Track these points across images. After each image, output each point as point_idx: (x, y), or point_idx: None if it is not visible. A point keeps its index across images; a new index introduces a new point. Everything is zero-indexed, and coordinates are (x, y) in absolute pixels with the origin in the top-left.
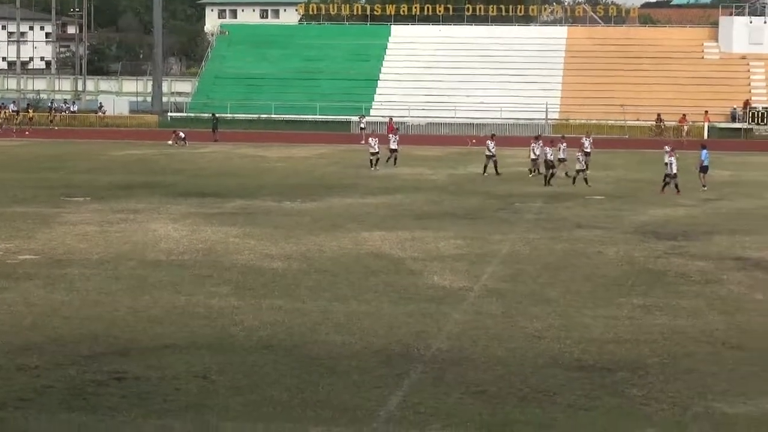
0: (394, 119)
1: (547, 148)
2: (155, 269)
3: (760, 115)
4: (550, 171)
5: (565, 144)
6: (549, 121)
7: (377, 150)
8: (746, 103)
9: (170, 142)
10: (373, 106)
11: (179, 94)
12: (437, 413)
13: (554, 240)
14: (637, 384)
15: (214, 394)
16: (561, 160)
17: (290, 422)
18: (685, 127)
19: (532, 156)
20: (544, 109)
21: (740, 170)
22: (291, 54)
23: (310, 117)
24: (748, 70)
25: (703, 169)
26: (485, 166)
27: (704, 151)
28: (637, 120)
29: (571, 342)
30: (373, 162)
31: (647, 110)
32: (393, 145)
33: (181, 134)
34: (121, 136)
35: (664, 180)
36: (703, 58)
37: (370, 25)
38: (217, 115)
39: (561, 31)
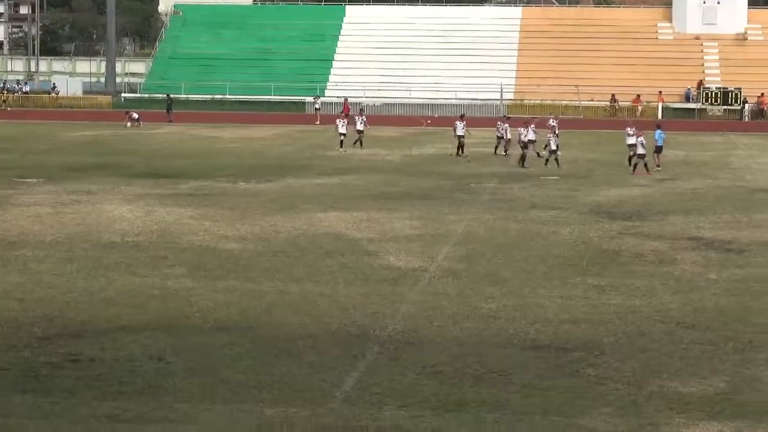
0: (349, 100)
1: (521, 129)
2: (110, 251)
3: (713, 95)
4: (523, 152)
5: (533, 125)
6: (504, 102)
7: (345, 131)
8: (700, 84)
9: (128, 124)
10: (327, 87)
11: (133, 74)
12: (393, 394)
13: (509, 220)
14: (592, 364)
15: (169, 376)
16: (530, 141)
17: (246, 404)
18: (639, 108)
19: (498, 134)
20: (499, 90)
21: (694, 150)
22: (245, 34)
23: (265, 98)
24: (702, 51)
25: (658, 150)
26: (458, 148)
27: (658, 132)
28: (592, 100)
29: (527, 322)
30: (343, 143)
31: (602, 91)
32: (360, 126)
33: (135, 115)
34: (74, 117)
35: (630, 161)
36: (657, 38)
37: (325, 5)
38: (171, 95)
39: (515, 12)
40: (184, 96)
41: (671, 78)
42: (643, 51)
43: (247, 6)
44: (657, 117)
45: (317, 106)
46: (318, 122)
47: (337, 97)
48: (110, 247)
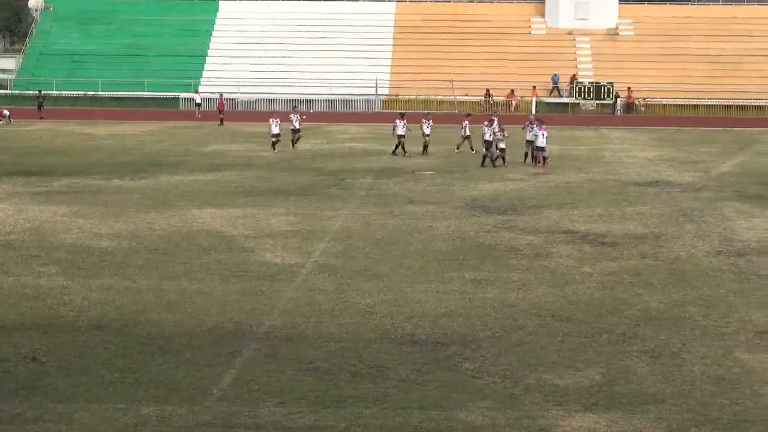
0: (224, 95)
1: (485, 128)
2: None
3: (586, 89)
4: (487, 152)
5: (467, 122)
6: (379, 97)
7: (278, 131)
8: (573, 78)
9: (1, 122)
10: (201, 83)
11: (3, 71)
12: (270, 390)
13: (386, 215)
14: (469, 357)
15: (44, 376)
16: (466, 137)
17: (122, 403)
18: (514, 102)
19: (465, 133)
20: (374, 85)
21: (567, 144)
22: (117, 30)
23: (138, 93)
24: (575, 46)
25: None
26: (396, 146)
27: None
28: (467, 95)
29: (404, 317)
30: (275, 144)
31: (476, 86)
32: (295, 125)
33: (5, 112)
34: None
35: (531, 154)
36: (530, 33)
37: (198, 1)
38: (42, 92)
39: (390, 7)
40: (56, 92)
41: (545, 73)
42: (517, 46)
43: (119, 1)
44: (531, 111)
45: (197, 100)
46: (198, 116)
47: (212, 93)
48: None
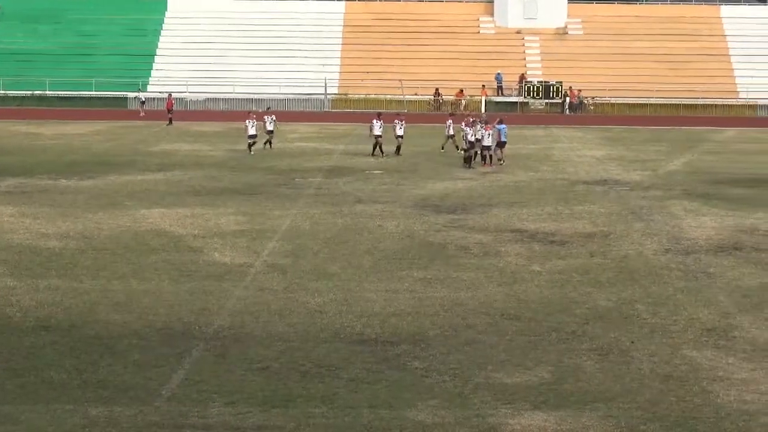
0: (173, 95)
1: (468, 128)
2: None
3: (535, 89)
4: (473, 151)
5: (450, 121)
6: (328, 96)
7: (255, 132)
8: (522, 78)
9: None
10: (150, 82)
11: None
12: (220, 390)
13: (335, 215)
14: (418, 356)
15: None
16: (450, 137)
17: (70, 404)
18: (463, 101)
19: (448, 133)
20: (323, 85)
21: (517, 143)
22: (64, 29)
23: (85, 93)
24: (524, 45)
25: (501, 144)
26: (374, 147)
27: (503, 126)
28: (416, 94)
29: (353, 316)
30: (252, 146)
31: (425, 85)
32: (270, 126)
33: None
34: None
35: (480, 154)
36: (479, 32)
37: None
38: None
39: (339, 6)
40: (3, 92)
41: (494, 72)
42: (466, 45)
43: None
44: (481, 111)
45: (142, 99)
46: (142, 115)
47: (160, 92)
48: None
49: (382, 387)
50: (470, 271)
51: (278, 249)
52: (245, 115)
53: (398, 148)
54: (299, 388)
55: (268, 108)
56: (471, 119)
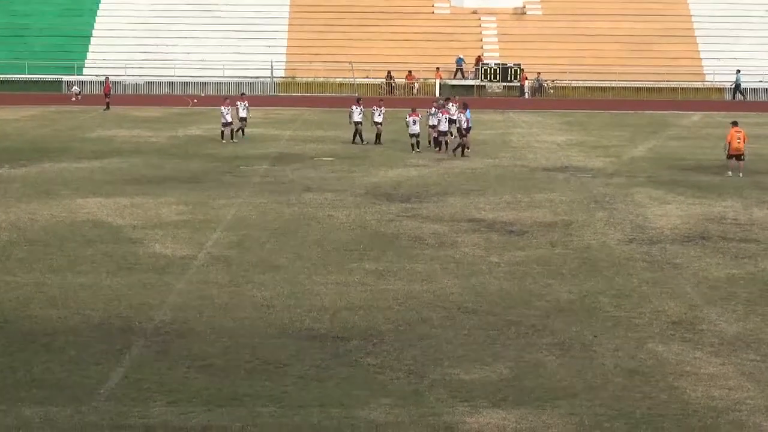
0: (111, 78)
1: (460, 114)
2: None
3: (492, 71)
4: (462, 140)
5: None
6: (275, 79)
7: (231, 120)
8: (478, 60)
9: None
10: (86, 65)
11: None
12: (161, 389)
13: (282, 204)
14: (371, 352)
15: None
16: (467, 129)
17: (2, 404)
18: (416, 85)
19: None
20: (269, 67)
21: (474, 129)
22: None
23: (18, 77)
24: (480, 26)
25: (467, 130)
26: (355, 134)
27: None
28: (367, 77)
29: (302, 311)
30: (225, 134)
31: (377, 67)
32: (243, 113)
33: None
34: None
35: (434, 141)
36: (433, 13)
37: None
38: None
39: None
40: None
41: (449, 54)
42: (420, 26)
43: None
44: (435, 94)
45: (77, 90)
46: (73, 100)
47: (97, 75)
48: None
49: (332, 385)
50: (425, 263)
51: (223, 240)
52: (220, 101)
53: (378, 136)
54: (245, 386)
55: (242, 94)
56: (438, 103)
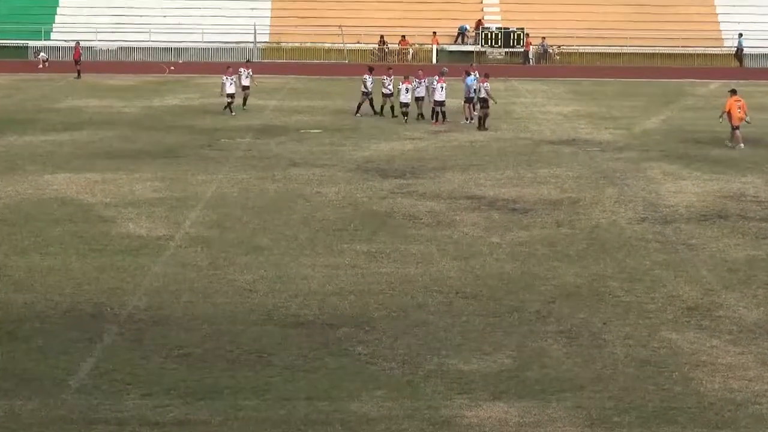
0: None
1: (479, 84)
2: None
3: (493, 36)
4: (483, 111)
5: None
6: (258, 45)
7: (234, 91)
8: (478, 24)
9: None
10: (54, 29)
11: None
12: (135, 381)
13: (266, 180)
14: (362, 341)
15: None
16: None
17: None
18: (411, 50)
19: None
20: (252, 32)
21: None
22: None
23: None
24: None
25: (469, 100)
26: (359, 106)
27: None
28: (358, 43)
29: (288, 295)
30: (230, 105)
31: (369, 32)
32: (245, 81)
33: None
34: None
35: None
36: None
37: None
38: None
39: None
40: None
41: (446, 18)
42: None
43: None
44: (431, 61)
45: (44, 57)
46: (40, 67)
47: (66, 41)
48: None
49: (320, 376)
50: (420, 244)
51: (202, 219)
52: (222, 70)
53: (382, 108)
54: (226, 377)
55: (247, 60)
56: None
